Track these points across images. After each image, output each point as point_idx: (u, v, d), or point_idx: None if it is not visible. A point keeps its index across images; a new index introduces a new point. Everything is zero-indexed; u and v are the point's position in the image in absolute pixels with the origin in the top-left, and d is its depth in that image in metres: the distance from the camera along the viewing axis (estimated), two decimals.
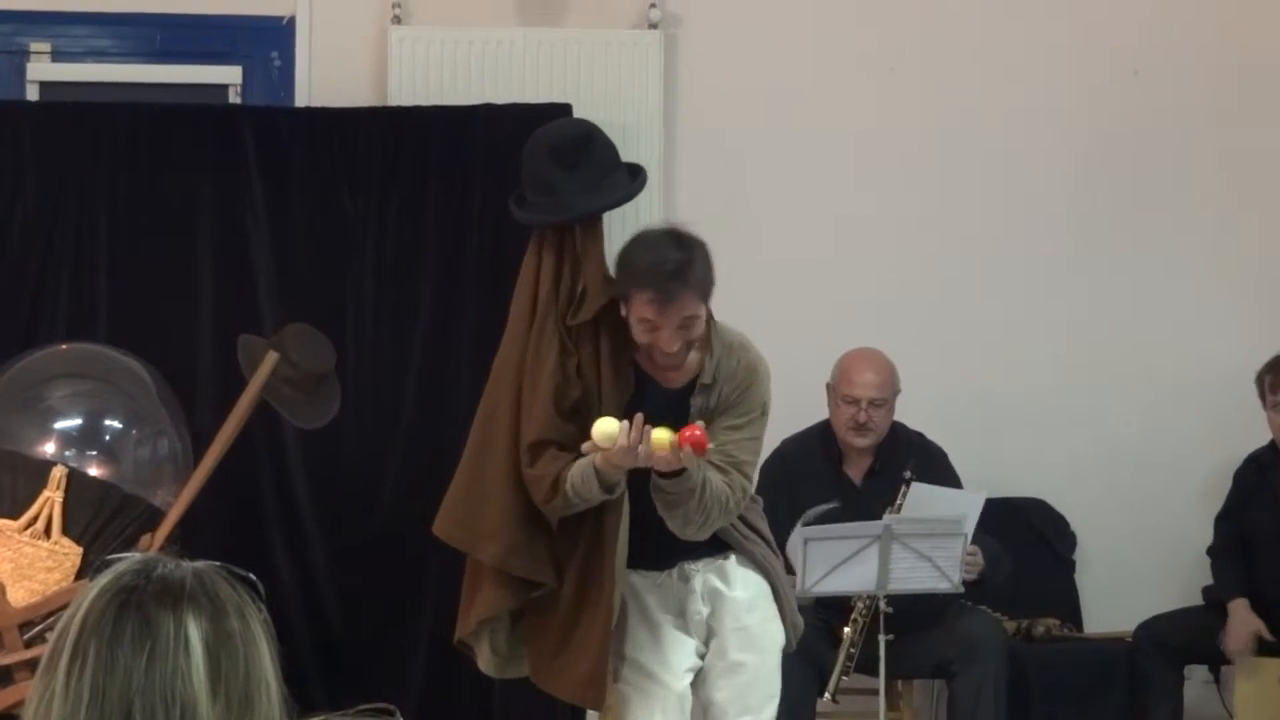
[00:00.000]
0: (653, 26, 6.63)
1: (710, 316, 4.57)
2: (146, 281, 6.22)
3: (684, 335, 4.47)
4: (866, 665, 5.55)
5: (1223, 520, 6.42)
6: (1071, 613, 6.64)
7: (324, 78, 6.61)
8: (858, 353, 6.05)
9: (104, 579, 1.82)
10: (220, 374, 6.01)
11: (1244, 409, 6.32)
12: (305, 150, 6.33)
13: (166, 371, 5.77)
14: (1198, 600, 6.39)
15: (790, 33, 6.74)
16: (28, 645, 5.15)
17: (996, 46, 6.80)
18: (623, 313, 4.50)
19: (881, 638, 5.40)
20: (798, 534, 5.35)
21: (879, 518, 5.46)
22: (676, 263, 4.43)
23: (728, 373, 4.57)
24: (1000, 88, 6.79)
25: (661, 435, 4.31)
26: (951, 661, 5.91)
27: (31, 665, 4.97)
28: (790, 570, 5.08)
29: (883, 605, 5.42)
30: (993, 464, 6.56)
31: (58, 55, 6.68)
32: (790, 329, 6.21)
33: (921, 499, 5.64)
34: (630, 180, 4.67)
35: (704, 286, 4.49)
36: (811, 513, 5.62)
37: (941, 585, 5.44)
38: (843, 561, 5.31)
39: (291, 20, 6.66)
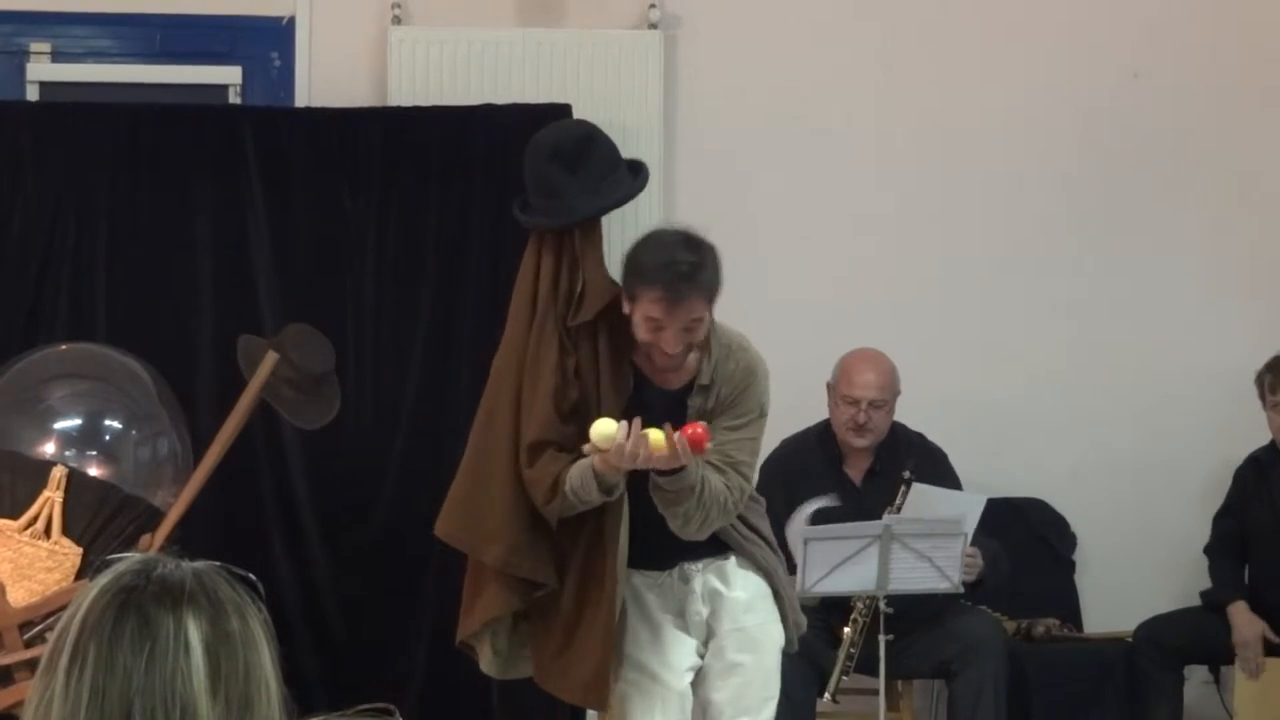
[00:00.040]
0: (652, 27, 6.64)
1: (711, 318, 4.57)
2: (146, 281, 6.23)
3: (687, 337, 4.47)
4: (866, 665, 5.55)
5: (1221, 519, 6.42)
6: (1071, 613, 6.64)
7: (324, 78, 6.62)
8: (859, 353, 6.05)
9: (104, 579, 1.82)
10: (220, 374, 6.01)
11: (1244, 409, 6.32)
12: (305, 150, 6.33)
13: (166, 372, 5.77)
14: (1196, 601, 6.40)
15: (790, 33, 6.75)
16: (27, 645, 5.15)
17: (996, 48, 6.80)
18: (625, 310, 4.50)
19: (881, 638, 5.40)
20: (797, 531, 5.35)
21: (879, 518, 5.47)
22: (689, 264, 4.44)
23: (726, 374, 4.58)
24: (1000, 89, 6.79)
25: (658, 435, 4.31)
26: (951, 662, 5.91)
27: (31, 665, 4.97)
28: (791, 568, 5.07)
29: (883, 605, 5.42)
30: (993, 465, 6.56)
31: (58, 55, 6.68)
32: (789, 329, 6.22)
33: (922, 500, 5.64)
34: (632, 179, 4.67)
35: (712, 291, 4.50)
36: (811, 507, 5.62)
37: (941, 585, 5.44)
38: (843, 562, 5.31)
39: (291, 20, 6.66)
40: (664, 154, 6.52)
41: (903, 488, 5.70)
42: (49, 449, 5.48)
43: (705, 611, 4.67)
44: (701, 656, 4.68)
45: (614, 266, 4.68)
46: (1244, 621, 6.17)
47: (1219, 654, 6.30)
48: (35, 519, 5.29)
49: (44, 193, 6.22)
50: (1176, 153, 6.82)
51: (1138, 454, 6.76)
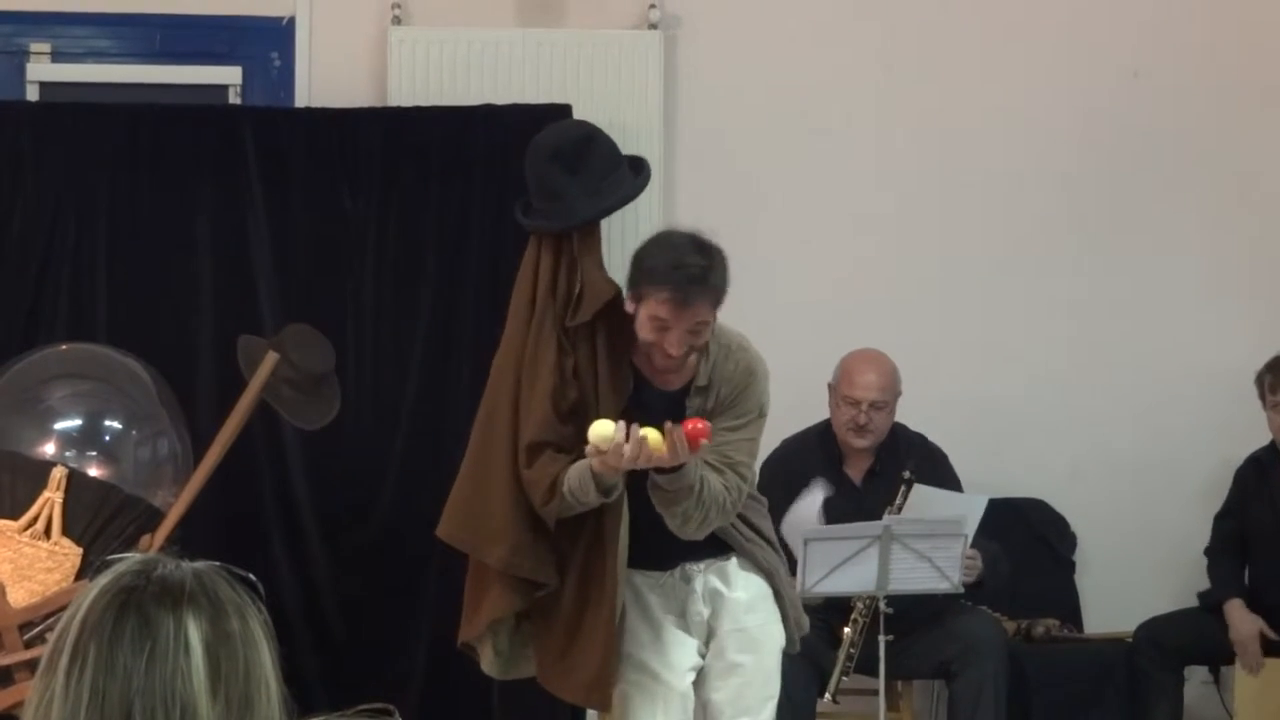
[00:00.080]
0: (652, 27, 6.64)
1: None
2: (146, 282, 6.23)
3: (691, 340, 4.47)
4: (866, 666, 5.55)
5: (1221, 519, 6.43)
6: (1071, 613, 6.64)
7: (324, 78, 6.62)
8: (860, 354, 6.05)
9: (104, 579, 1.82)
10: (220, 374, 6.01)
11: (1244, 409, 6.32)
12: (305, 151, 6.33)
13: (166, 372, 5.77)
14: (1196, 602, 6.40)
15: (790, 33, 6.75)
16: (28, 646, 5.15)
17: (996, 48, 6.81)
18: (629, 309, 4.50)
19: (881, 638, 5.40)
20: (794, 524, 5.36)
21: (879, 518, 5.47)
22: (700, 267, 4.44)
23: (725, 374, 4.58)
24: (1000, 89, 6.80)
25: (655, 435, 4.31)
26: (951, 662, 5.91)
27: (31, 666, 4.97)
28: (790, 564, 5.07)
29: (883, 606, 5.42)
30: (993, 465, 6.56)
31: (58, 56, 6.68)
32: (789, 329, 6.22)
33: (924, 502, 5.64)
34: (633, 177, 4.67)
35: (719, 294, 4.51)
36: (807, 498, 5.63)
37: (941, 586, 5.44)
38: (843, 562, 5.31)
39: (291, 21, 6.66)
40: (664, 154, 6.52)
41: (903, 488, 5.70)
42: (49, 449, 5.48)
43: (706, 612, 4.67)
44: (703, 656, 4.68)
45: (614, 267, 4.68)
46: (1240, 619, 6.18)
47: (1219, 654, 6.30)
48: (35, 519, 5.29)
49: (44, 193, 6.22)
50: (1176, 153, 6.82)
51: (1138, 454, 6.76)
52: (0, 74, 6.64)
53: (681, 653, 4.64)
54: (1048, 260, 6.79)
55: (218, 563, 1.86)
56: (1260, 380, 6.26)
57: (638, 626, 4.63)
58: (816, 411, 6.06)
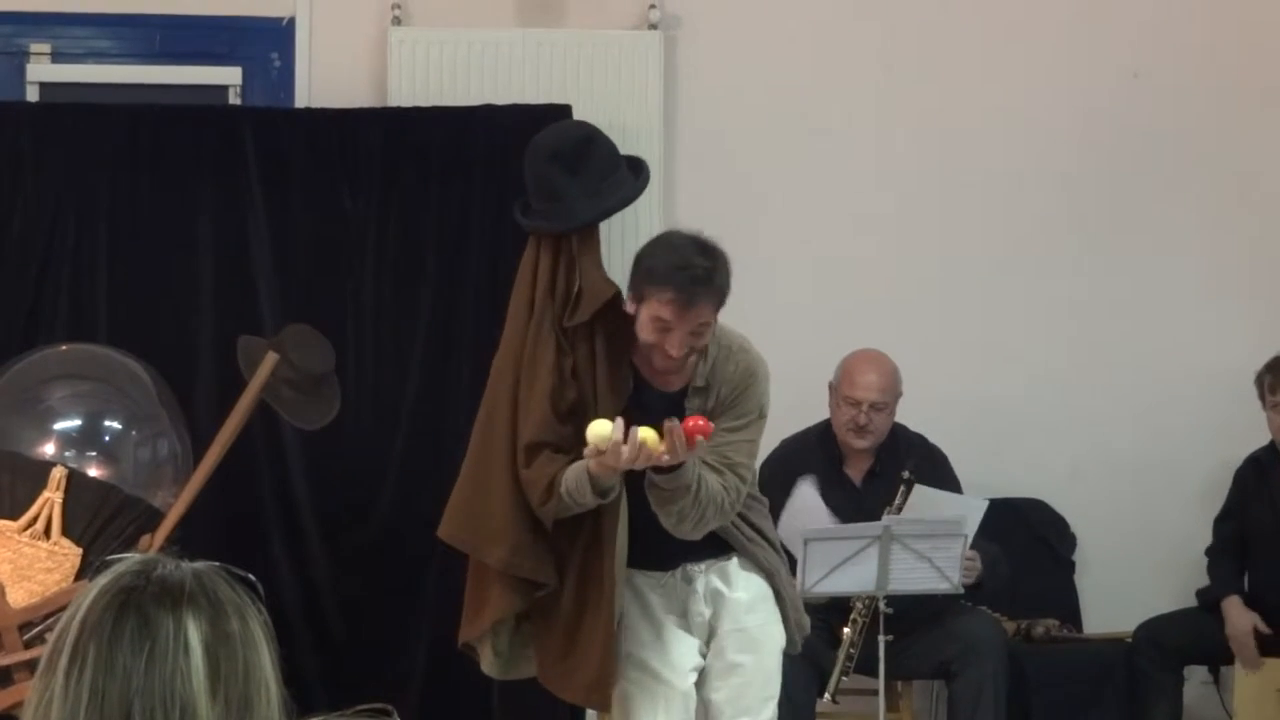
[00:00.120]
0: (652, 27, 6.64)
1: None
2: (146, 282, 6.23)
3: (693, 341, 4.47)
4: (866, 666, 5.55)
5: (1222, 521, 6.43)
6: (1071, 613, 6.64)
7: (324, 79, 6.62)
8: (862, 354, 6.04)
9: (103, 580, 1.82)
10: (220, 375, 6.01)
11: (1244, 409, 6.32)
12: (305, 151, 6.33)
13: (166, 372, 5.77)
14: (1195, 602, 6.40)
15: (790, 33, 6.75)
16: (27, 646, 5.14)
17: (996, 48, 6.81)
18: (630, 310, 4.50)
19: (881, 638, 5.41)
20: (797, 530, 5.36)
21: (878, 519, 5.47)
22: (703, 269, 4.44)
23: (725, 375, 4.57)
24: (1000, 89, 6.80)
25: (652, 435, 4.30)
26: (951, 662, 5.91)
27: (31, 666, 4.97)
28: (792, 565, 5.08)
29: (882, 606, 5.42)
30: (993, 465, 6.56)
31: (58, 56, 6.68)
32: (789, 329, 6.22)
33: (924, 503, 5.64)
34: (633, 179, 4.67)
35: (722, 296, 4.50)
36: (801, 496, 5.63)
37: (941, 586, 5.44)
38: (842, 562, 5.31)
39: (291, 21, 6.66)
40: (664, 154, 6.52)
41: (902, 488, 5.70)
42: (49, 449, 5.48)
43: (707, 612, 4.67)
44: (704, 657, 4.68)
45: (614, 268, 4.68)
46: (1237, 615, 6.18)
47: (1218, 654, 6.30)
48: (35, 519, 5.29)
49: (44, 193, 6.22)
50: (1176, 153, 6.82)
51: (1138, 454, 6.76)
52: (0, 74, 6.64)
53: (683, 652, 4.64)
54: (1048, 260, 6.79)
55: (217, 563, 1.86)
56: (1260, 380, 6.26)
57: (639, 626, 4.63)
58: (816, 411, 6.06)
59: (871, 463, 6.02)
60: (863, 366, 6.00)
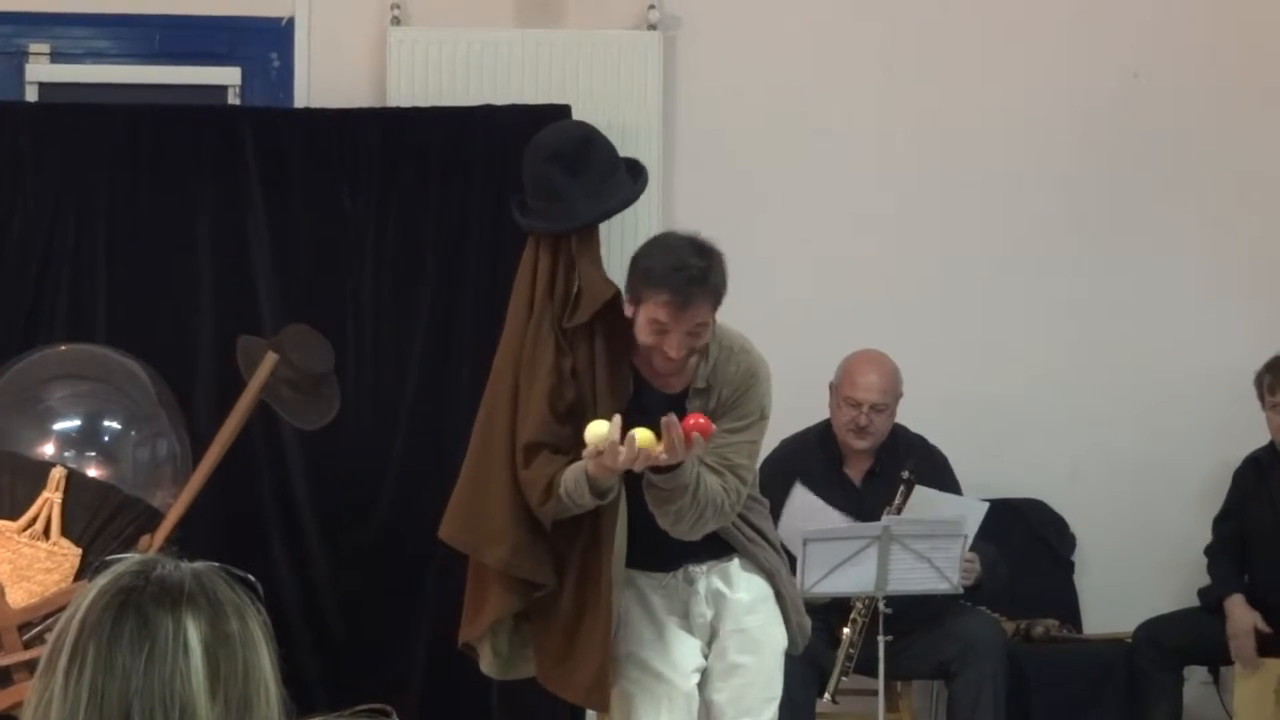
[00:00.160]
0: (651, 27, 6.64)
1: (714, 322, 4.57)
2: (146, 282, 6.22)
3: (691, 342, 4.46)
4: (866, 666, 5.55)
5: (1221, 521, 6.43)
6: (1071, 614, 6.64)
7: (323, 79, 6.62)
8: (862, 355, 6.04)
9: (103, 580, 1.81)
10: (220, 375, 6.01)
11: (1244, 409, 6.32)
12: (305, 151, 6.33)
13: (166, 372, 5.77)
14: (1196, 602, 6.40)
15: (790, 33, 6.75)
16: (27, 646, 5.14)
17: (996, 48, 6.80)
18: (628, 313, 4.49)
19: (881, 638, 5.41)
20: (794, 514, 5.36)
21: (878, 519, 5.47)
22: (698, 269, 4.43)
23: (726, 376, 4.57)
24: (1000, 89, 6.79)
25: (646, 436, 4.29)
26: (950, 662, 5.91)
27: (30, 666, 4.97)
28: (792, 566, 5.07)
29: (882, 606, 5.42)
30: (993, 465, 6.56)
31: (57, 56, 6.68)
32: (789, 329, 6.21)
33: (925, 505, 5.64)
34: (632, 182, 4.67)
35: (718, 296, 4.50)
36: (799, 501, 5.63)
37: (940, 586, 5.44)
38: (842, 562, 5.31)
39: (291, 21, 6.66)
40: (663, 155, 6.52)
41: (901, 488, 5.70)
42: (48, 450, 5.48)
43: (709, 613, 4.67)
44: (706, 658, 4.68)
45: (613, 269, 4.68)
46: (1239, 613, 6.18)
47: (1218, 654, 6.30)
48: (34, 520, 5.29)
49: (43, 193, 6.22)
50: (1176, 153, 6.82)
51: (1138, 454, 6.76)
52: (0, 74, 6.64)
53: (685, 653, 4.64)
54: (1048, 260, 6.79)
55: (217, 563, 1.85)
56: (1260, 380, 6.26)
57: (641, 627, 4.63)
58: (816, 412, 6.06)
59: (871, 463, 6.02)
60: (864, 367, 6.00)
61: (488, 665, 4.71)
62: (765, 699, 4.70)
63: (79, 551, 5.27)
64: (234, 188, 6.27)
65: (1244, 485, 6.40)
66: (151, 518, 5.36)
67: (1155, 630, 6.30)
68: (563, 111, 6.18)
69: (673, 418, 4.28)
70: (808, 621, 4.85)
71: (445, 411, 6.17)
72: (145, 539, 5.27)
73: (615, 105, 6.43)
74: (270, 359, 5.56)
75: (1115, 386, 6.77)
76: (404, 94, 6.48)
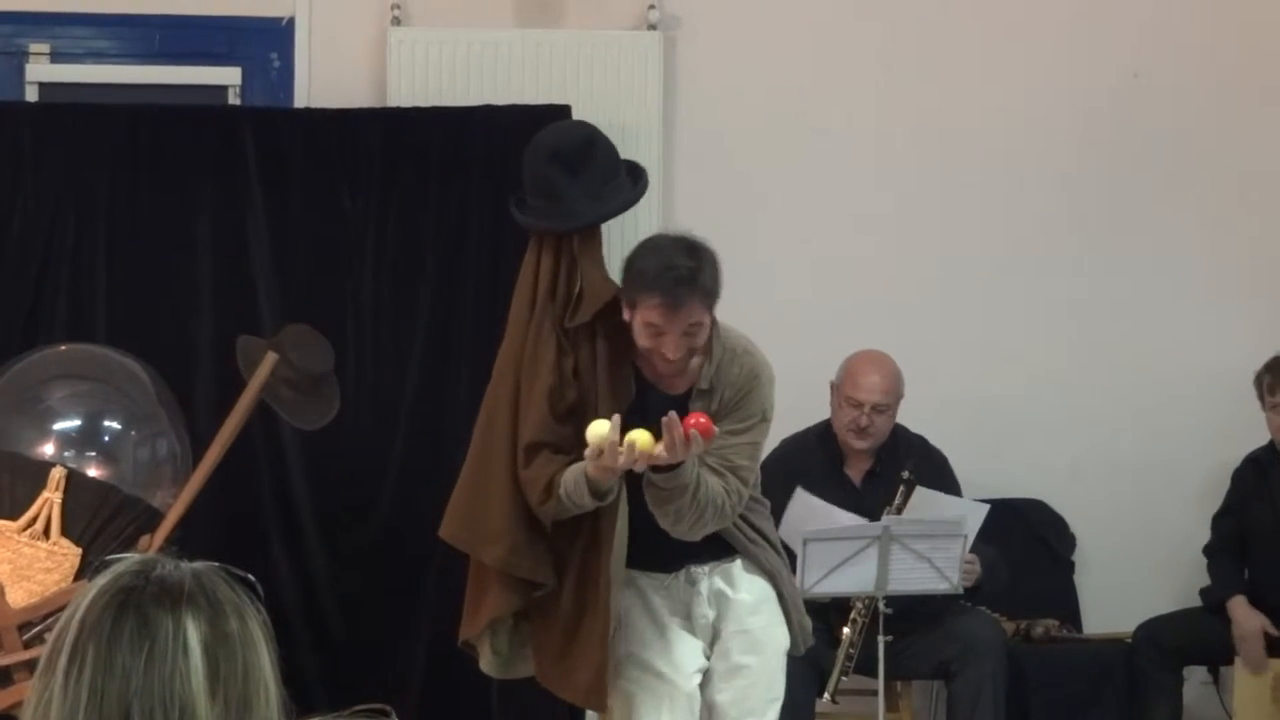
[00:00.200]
0: (651, 28, 6.63)
1: (714, 321, 4.56)
2: (146, 282, 6.22)
3: (688, 342, 4.46)
4: (866, 666, 5.55)
5: (1220, 519, 6.43)
6: (1070, 614, 6.64)
7: (323, 79, 6.62)
8: (864, 355, 6.03)
9: (103, 580, 1.82)
10: (219, 375, 6.01)
11: (1244, 409, 6.32)
12: (305, 151, 6.33)
13: (166, 372, 5.77)
14: (1196, 602, 6.40)
15: (790, 33, 6.74)
16: (27, 646, 5.14)
17: (996, 48, 6.80)
18: (626, 317, 4.50)
19: (881, 638, 5.41)
20: (795, 532, 5.36)
21: (878, 519, 5.47)
22: (687, 269, 4.43)
23: (729, 378, 4.56)
24: (1000, 89, 6.79)
25: (644, 437, 4.29)
26: (950, 662, 5.91)
27: (30, 666, 4.97)
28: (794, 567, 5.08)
29: (882, 606, 5.42)
30: (993, 465, 6.56)
31: (57, 56, 6.67)
32: (789, 329, 6.21)
33: (926, 506, 5.64)
34: (632, 185, 4.67)
35: (711, 295, 4.49)
36: (801, 504, 5.63)
37: (940, 586, 5.44)
38: (842, 562, 5.31)
39: (291, 21, 6.66)
40: (663, 155, 6.52)
41: (901, 488, 5.70)
42: (48, 449, 5.48)
43: (712, 614, 4.67)
44: (708, 658, 4.68)
45: (613, 270, 4.68)
46: (1244, 615, 6.18)
47: (1218, 654, 6.30)
48: (34, 520, 5.29)
49: (43, 193, 6.22)
50: (1176, 153, 6.82)
51: (1138, 454, 6.76)
52: (0, 74, 6.64)
53: (687, 653, 4.64)
54: (1048, 260, 6.79)
55: (216, 563, 1.85)
56: (1259, 381, 6.26)
57: (643, 627, 4.63)
58: (816, 412, 6.06)
59: (871, 463, 6.02)
60: (866, 368, 5.99)
61: (487, 664, 4.71)
62: (768, 700, 4.70)
63: (79, 551, 5.27)
64: (234, 188, 6.27)
65: (1244, 485, 6.40)
66: (151, 518, 5.36)
67: (1155, 630, 6.30)
68: (563, 111, 6.18)
69: (674, 416, 4.27)
70: (809, 622, 4.85)
71: (445, 411, 6.17)
72: (145, 539, 5.27)
73: (615, 105, 6.43)
74: (270, 359, 5.56)
75: (1115, 386, 6.77)
76: (404, 94, 6.48)
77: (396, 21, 6.55)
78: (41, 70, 6.64)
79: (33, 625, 5.18)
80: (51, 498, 5.29)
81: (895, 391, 5.99)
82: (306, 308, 6.09)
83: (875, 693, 5.53)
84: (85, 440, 5.56)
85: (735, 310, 4.68)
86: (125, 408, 5.63)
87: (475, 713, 6.04)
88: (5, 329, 6.13)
